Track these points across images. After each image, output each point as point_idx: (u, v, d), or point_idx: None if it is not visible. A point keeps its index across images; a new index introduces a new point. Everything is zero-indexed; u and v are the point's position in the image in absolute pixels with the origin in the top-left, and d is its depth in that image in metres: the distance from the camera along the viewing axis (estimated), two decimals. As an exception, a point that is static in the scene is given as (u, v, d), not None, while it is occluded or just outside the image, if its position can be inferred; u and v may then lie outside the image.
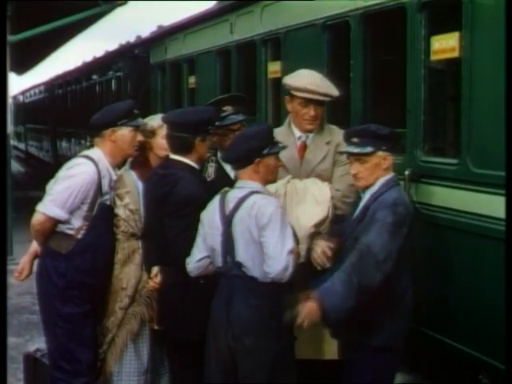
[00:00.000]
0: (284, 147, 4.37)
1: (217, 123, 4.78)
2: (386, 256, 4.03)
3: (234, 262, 4.15)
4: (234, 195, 4.23)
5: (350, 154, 4.32)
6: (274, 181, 4.41)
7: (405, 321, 4.26)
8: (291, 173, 4.74)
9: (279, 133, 4.85)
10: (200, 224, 4.31)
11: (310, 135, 4.81)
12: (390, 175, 4.28)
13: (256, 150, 4.21)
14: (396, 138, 4.37)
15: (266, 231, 4.06)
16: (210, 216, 4.26)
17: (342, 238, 4.37)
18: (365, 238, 4.07)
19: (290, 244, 4.07)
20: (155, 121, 4.89)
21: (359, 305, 4.01)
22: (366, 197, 4.29)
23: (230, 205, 4.20)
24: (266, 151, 4.22)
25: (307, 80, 4.73)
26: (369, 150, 4.22)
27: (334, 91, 4.74)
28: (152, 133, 4.83)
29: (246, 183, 4.24)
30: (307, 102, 4.68)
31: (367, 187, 4.28)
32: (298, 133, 4.82)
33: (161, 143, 4.81)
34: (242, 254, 4.14)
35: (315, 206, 4.57)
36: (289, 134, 4.83)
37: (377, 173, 4.25)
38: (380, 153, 4.23)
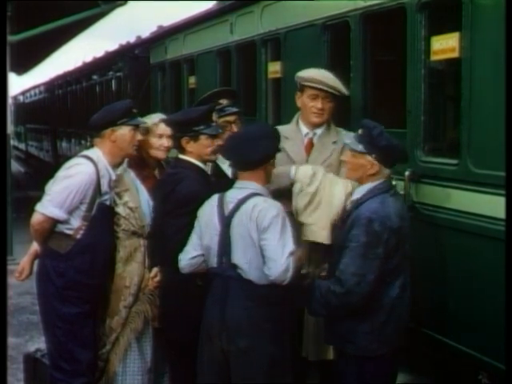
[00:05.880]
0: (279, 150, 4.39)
1: (216, 114, 4.88)
2: (358, 280, 3.99)
3: (230, 264, 4.12)
4: (233, 196, 4.18)
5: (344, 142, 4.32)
6: (269, 182, 4.39)
7: (387, 330, 4.11)
8: None
9: (286, 130, 4.97)
10: (196, 221, 4.27)
11: (317, 133, 4.97)
12: (378, 181, 4.18)
13: (273, 152, 4.23)
14: (393, 154, 4.21)
15: (266, 234, 4.02)
16: (208, 216, 4.21)
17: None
18: (341, 263, 4.05)
19: (290, 246, 4.03)
20: (151, 119, 4.92)
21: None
22: (353, 200, 4.25)
23: (230, 205, 4.15)
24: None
25: (317, 72, 5.03)
26: (359, 148, 4.17)
27: (343, 88, 4.95)
28: (146, 131, 4.84)
29: (246, 184, 4.19)
30: (315, 95, 4.88)
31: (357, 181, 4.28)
32: (305, 129, 5.00)
33: (153, 142, 4.84)
34: (239, 256, 4.10)
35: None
36: (296, 131, 5.01)
37: (361, 173, 4.20)
38: (369, 157, 4.16)
